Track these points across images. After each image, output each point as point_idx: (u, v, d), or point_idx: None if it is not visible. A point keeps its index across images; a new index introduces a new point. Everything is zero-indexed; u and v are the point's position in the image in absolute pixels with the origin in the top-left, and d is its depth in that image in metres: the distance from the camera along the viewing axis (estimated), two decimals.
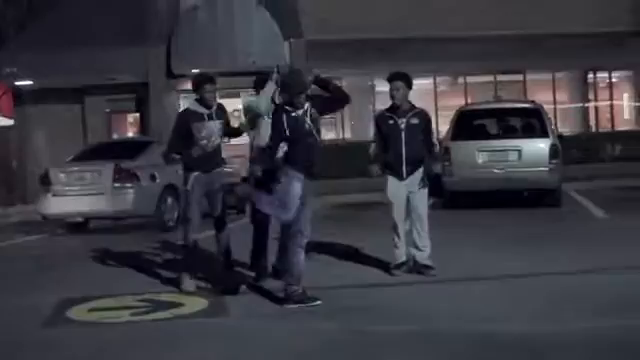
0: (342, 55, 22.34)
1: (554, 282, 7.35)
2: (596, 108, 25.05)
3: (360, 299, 6.92)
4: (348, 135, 24.03)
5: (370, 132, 23.46)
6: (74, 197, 12.74)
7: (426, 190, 7.89)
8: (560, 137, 14.55)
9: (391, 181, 7.84)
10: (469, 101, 21.57)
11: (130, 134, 23.79)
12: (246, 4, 22.44)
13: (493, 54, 23.06)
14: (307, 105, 6.73)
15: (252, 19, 22.12)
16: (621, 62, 24.51)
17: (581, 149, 22.31)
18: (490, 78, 24.07)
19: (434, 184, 8.53)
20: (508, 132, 15.04)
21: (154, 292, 7.48)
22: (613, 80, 25.27)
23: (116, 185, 12.59)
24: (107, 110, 23.81)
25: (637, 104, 25.85)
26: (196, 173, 7.54)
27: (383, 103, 23.88)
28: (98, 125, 23.13)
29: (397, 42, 22.88)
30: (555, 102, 23.74)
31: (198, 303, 6.89)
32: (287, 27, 22.49)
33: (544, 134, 13.95)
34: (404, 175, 7.78)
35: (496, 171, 13.72)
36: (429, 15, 23.07)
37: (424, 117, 7.93)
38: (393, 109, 7.89)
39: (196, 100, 7.63)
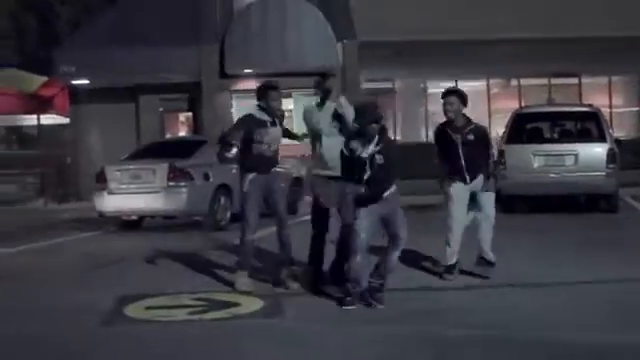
0: (394, 57, 22.26)
1: (617, 290, 7.19)
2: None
3: (415, 302, 6.84)
4: (399, 137, 23.88)
5: (421, 134, 23.55)
6: (129, 195, 12.86)
7: (492, 192, 7.89)
8: (617, 141, 14.27)
9: (456, 182, 7.83)
10: (522, 104, 21.30)
11: (182, 133, 24.00)
12: (299, 5, 22.46)
13: (547, 56, 22.74)
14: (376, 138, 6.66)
15: (305, 20, 22.12)
16: None
17: (638, 154, 21.85)
18: (544, 81, 23.74)
19: None
20: (565, 136, 14.82)
21: (209, 291, 7.49)
22: None
23: (170, 184, 12.68)
24: (160, 109, 24.05)
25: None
26: (252, 175, 7.55)
27: (435, 105, 23.84)
28: (151, 124, 23.37)
29: (450, 44, 22.70)
30: (611, 106, 23.33)
31: (254, 303, 6.88)
32: (340, 28, 22.46)
33: (601, 138, 13.72)
34: (467, 181, 7.80)
35: (552, 175, 13.51)
36: (481, 16, 22.82)
37: (482, 133, 7.94)
38: (448, 124, 7.91)
39: (259, 107, 7.69)
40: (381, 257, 6.82)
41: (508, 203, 13.76)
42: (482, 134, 7.92)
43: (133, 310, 6.80)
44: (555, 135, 15.06)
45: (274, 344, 5.66)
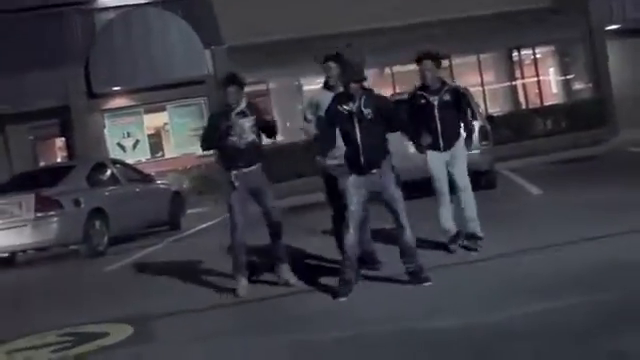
0: (265, 58, 22.08)
1: (494, 266, 7.15)
2: (524, 85, 25.25)
3: (284, 309, 6.63)
4: (279, 137, 23.71)
5: (301, 132, 23.49)
6: None
7: (464, 162, 7.79)
8: (490, 118, 14.42)
9: (431, 154, 7.76)
10: (397, 91, 21.46)
11: (59, 160, 23.14)
12: (162, 16, 22.00)
13: (416, 42, 22.90)
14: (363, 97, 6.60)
15: (170, 30, 21.67)
16: (543, 38, 24.75)
17: (513, 127, 22.39)
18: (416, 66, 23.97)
19: None
20: None
21: (78, 324, 7.05)
22: (537, 56, 25.50)
23: (39, 215, 12.02)
24: (31, 137, 23.11)
25: (562, 78, 26.14)
26: (235, 171, 7.27)
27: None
28: (23, 154, 22.45)
29: (320, 39, 22.65)
30: (483, 84, 23.85)
31: (123, 331, 6.50)
32: (207, 35, 22.11)
33: (472, 117, 13.79)
34: (441, 149, 7.72)
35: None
36: (348, 9, 22.95)
37: (457, 93, 7.81)
38: (424, 88, 7.80)
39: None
40: (399, 243, 6.79)
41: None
42: (459, 94, 7.79)
43: None
44: None
45: None
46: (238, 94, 7.32)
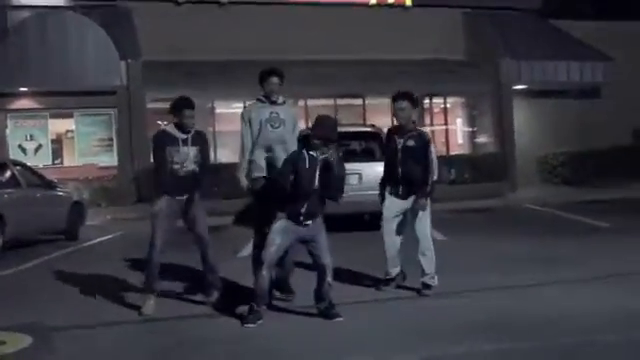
0: (180, 77, 21.84)
1: (402, 307, 7.26)
2: (432, 133, 25.76)
3: (184, 331, 6.52)
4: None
5: (210, 154, 23.28)
6: None
7: (428, 210, 7.66)
8: None
9: (388, 197, 7.72)
10: (309, 124, 21.59)
11: None
12: (80, 21, 21.50)
13: (333, 78, 23.29)
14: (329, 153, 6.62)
15: (87, 37, 21.18)
16: (455, 89, 25.42)
17: None
18: (330, 102, 24.25)
19: None
20: (349, 155, 15.00)
21: None
22: (448, 106, 26.16)
23: None
24: None
25: (468, 129, 26.86)
26: (167, 197, 7.11)
27: (223, 125, 23.77)
28: None
29: (236, 64, 22.66)
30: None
31: (21, 341, 6.23)
32: (124, 46, 21.74)
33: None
34: (400, 194, 7.65)
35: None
36: (270, 39, 23.04)
37: (422, 139, 7.65)
38: (398, 128, 7.70)
39: (174, 124, 7.21)
40: (316, 285, 6.77)
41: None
42: (423, 141, 7.62)
43: None
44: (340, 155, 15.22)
45: None
46: (193, 118, 7.23)
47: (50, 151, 22.26)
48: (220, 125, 23.03)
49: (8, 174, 13.38)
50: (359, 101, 24.49)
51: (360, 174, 13.77)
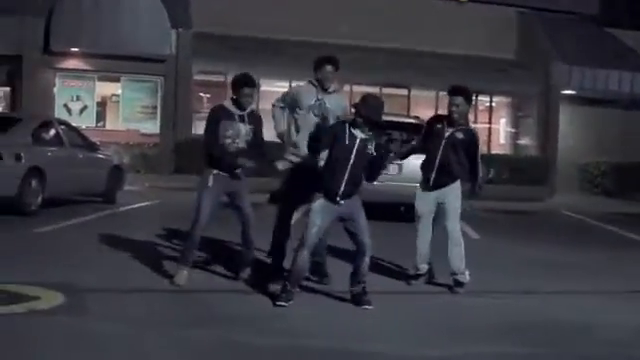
0: (228, 51, 21.92)
1: (436, 302, 7.27)
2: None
3: (223, 306, 6.57)
4: None
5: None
6: None
7: (458, 207, 7.58)
8: None
9: (419, 190, 7.68)
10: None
11: None
12: None
13: (381, 66, 23.20)
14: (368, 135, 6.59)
15: (140, 2, 21.32)
16: (503, 88, 25.20)
17: None
18: (376, 90, 24.14)
19: None
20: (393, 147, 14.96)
21: (8, 282, 6.82)
22: (493, 104, 25.95)
23: None
24: None
25: (512, 130, 26.63)
26: (215, 171, 7.17)
27: (266, 103, 23.83)
28: None
29: (284, 43, 22.68)
30: None
31: (55, 298, 6.33)
32: (176, 16, 21.86)
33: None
34: (431, 184, 7.56)
35: (376, 184, 13.59)
36: (317, 20, 23.00)
37: (472, 135, 7.56)
38: (446, 118, 7.57)
39: (232, 99, 7.25)
40: (353, 265, 6.78)
41: None
42: (472, 137, 7.54)
43: None
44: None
45: (67, 346, 5.18)
46: (251, 97, 7.25)
47: (95, 113, 22.48)
48: (264, 103, 23.01)
49: (52, 132, 13.52)
50: (404, 92, 24.37)
51: (400, 165, 13.70)
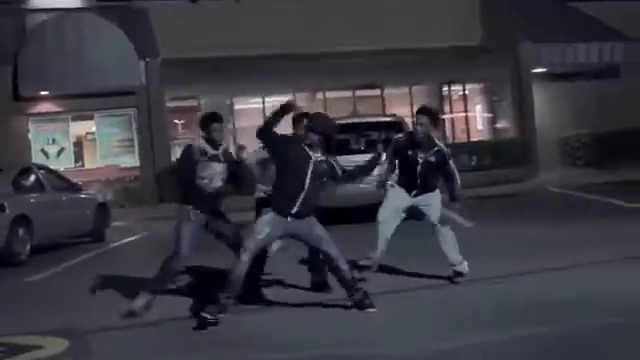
0: (199, 74, 21.91)
1: (436, 295, 7.33)
2: (452, 120, 25.73)
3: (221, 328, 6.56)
4: None
5: (232, 150, 23.37)
6: None
7: (439, 207, 7.86)
8: None
9: (397, 188, 7.91)
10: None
11: None
12: (98, 22, 21.65)
13: (351, 70, 23.25)
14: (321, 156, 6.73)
15: (105, 38, 21.28)
16: (474, 76, 25.33)
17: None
18: (349, 93, 24.22)
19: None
20: (371, 146, 15.00)
21: (9, 334, 6.78)
22: (467, 92, 26.07)
23: None
24: None
25: (488, 115, 26.74)
26: (192, 210, 7.12)
27: (242, 121, 23.74)
28: None
29: (254, 59, 22.68)
30: (413, 115, 24.07)
31: (58, 344, 6.29)
32: (142, 46, 21.83)
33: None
34: (412, 194, 7.85)
35: (362, 186, 13.60)
36: (286, 32, 23.03)
37: (442, 155, 7.86)
38: (411, 139, 7.92)
39: (204, 138, 7.25)
40: (336, 279, 6.88)
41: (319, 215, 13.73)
42: (443, 157, 7.85)
43: None
44: (361, 146, 15.23)
45: None
46: (221, 132, 7.28)
47: (72, 154, 22.41)
48: (240, 121, 23.06)
49: (33, 178, 13.45)
50: (377, 92, 24.43)
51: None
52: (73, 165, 22.04)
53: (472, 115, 26.45)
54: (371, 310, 6.68)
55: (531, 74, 25.28)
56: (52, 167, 16.03)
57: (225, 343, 6.07)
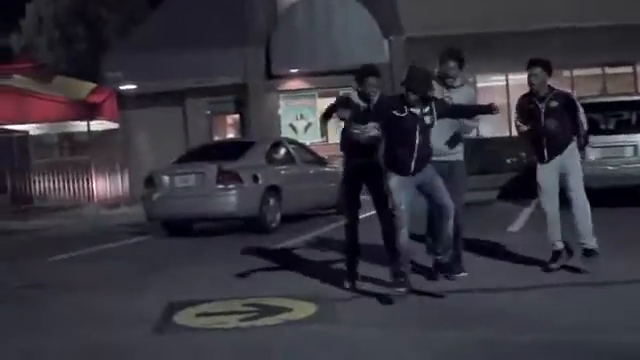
0: (440, 52, 21.82)
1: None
2: None
3: (471, 304, 6.56)
4: None
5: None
6: (178, 199, 12.73)
7: (579, 169, 7.64)
8: None
9: (539, 165, 7.73)
10: (575, 95, 20.74)
11: (230, 135, 23.95)
12: (344, 2, 22.26)
13: (597, 46, 22.16)
14: (424, 109, 6.71)
15: (351, 17, 21.92)
16: None
17: None
18: (598, 71, 23.14)
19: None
20: (622, 126, 14.31)
21: (259, 296, 7.26)
22: None
23: (219, 187, 12.51)
24: (208, 112, 24.05)
25: None
26: (350, 162, 7.48)
27: (488, 99, 23.39)
28: (199, 127, 23.41)
29: (498, 36, 22.26)
30: None
31: (306, 308, 6.64)
32: (386, 25, 22.19)
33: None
34: (545, 157, 7.64)
35: (610, 168, 13.03)
36: (530, 6, 22.36)
37: (564, 98, 7.70)
38: (532, 94, 7.77)
39: (357, 91, 7.51)
40: (437, 230, 6.92)
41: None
42: (566, 99, 7.67)
43: (183, 317, 6.61)
44: (612, 126, 14.55)
45: (330, 353, 5.41)
46: (376, 87, 7.30)
47: (318, 129, 23.29)
48: (483, 99, 22.73)
49: (283, 151, 14.22)
50: (629, 69, 23.11)
51: (636, 146, 13.05)
52: (319, 140, 22.91)
53: None
54: (462, 274, 6.96)
55: None
56: (300, 141, 16.79)
57: (471, 320, 6.04)
